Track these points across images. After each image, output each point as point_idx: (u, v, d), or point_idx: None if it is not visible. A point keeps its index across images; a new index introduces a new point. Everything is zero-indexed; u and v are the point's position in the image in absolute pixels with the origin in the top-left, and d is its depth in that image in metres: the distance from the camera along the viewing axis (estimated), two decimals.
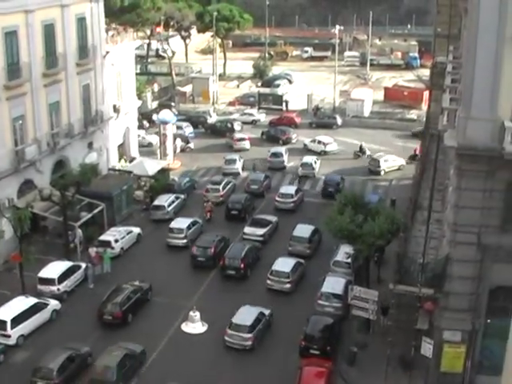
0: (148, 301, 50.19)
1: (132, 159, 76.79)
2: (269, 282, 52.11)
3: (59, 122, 62.50)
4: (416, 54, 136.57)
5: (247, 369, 43.10)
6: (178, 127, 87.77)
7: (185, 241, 59.18)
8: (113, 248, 56.72)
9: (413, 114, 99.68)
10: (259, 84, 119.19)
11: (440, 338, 37.30)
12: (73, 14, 63.24)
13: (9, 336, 44.45)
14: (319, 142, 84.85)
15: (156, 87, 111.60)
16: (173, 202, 65.44)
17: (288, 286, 51.75)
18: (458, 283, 36.20)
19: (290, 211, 66.20)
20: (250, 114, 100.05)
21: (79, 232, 57.14)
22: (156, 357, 44.08)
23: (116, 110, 73.17)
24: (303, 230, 58.59)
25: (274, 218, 62.88)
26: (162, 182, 69.79)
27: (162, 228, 62.03)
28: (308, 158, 78.25)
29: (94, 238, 57.94)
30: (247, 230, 60.50)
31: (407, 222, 47.63)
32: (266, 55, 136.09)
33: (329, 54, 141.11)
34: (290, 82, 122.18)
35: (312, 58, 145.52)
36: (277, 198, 67.33)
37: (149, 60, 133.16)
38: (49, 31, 59.92)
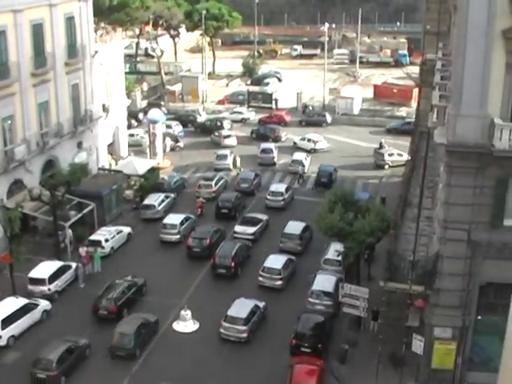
0: (143, 296, 50.37)
1: (120, 159, 76.68)
2: (260, 278, 52.27)
3: (48, 122, 62.31)
4: (405, 52, 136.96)
5: (239, 366, 43.15)
6: (168, 126, 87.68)
7: (178, 236, 59.56)
8: (103, 247, 56.64)
9: (402, 112, 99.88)
10: (248, 82, 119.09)
11: (431, 334, 37.40)
12: (61, 13, 63.00)
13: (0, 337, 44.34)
14: (309, 140, 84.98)
15: (145, 86, 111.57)
16: (163, 200, 65.38)
17: (279, 282, 51.93)
18: (449, 280, 36.29)
19: (280, 209, 66.31)
20: (240, 113, 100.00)
21: (69, 232, 56.99)
22: (148, 355, 44.16)
23: (105, 109, 72.96)
24: (294, 227, 58.76)
25: (264, 217, 62.97)
26: (151, 181, 69.70)
27: (153, 227, 62.04)
28: (298, 155, 78.64)
29: (85, 238, 57.84)
30: (238, 228, 60.58)
31: (397, 219, 47.76)
32: (255, 53, 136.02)
33: (318, 51, 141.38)
34: (280, 80, 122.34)
35: (301, 56, 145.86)
36: (267, 196, 67.44)
37: (138, 59, 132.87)
38: (37, 31, 59.67)
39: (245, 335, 45.11)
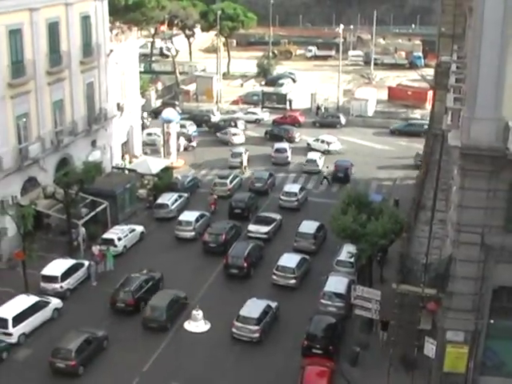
0: (159, 290, 50.73)
1: (134, 158, 76.89)
2: (274, 277, 52.50)
3: (63, 120, 62.54)
4: (420, 54, 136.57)
5: (251, 366, 43.21)
6: (182, 126, 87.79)
7: (193, 233, 60.24)
8: (116, 246, 56.83)
9: (416, 114, 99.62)
10: (263, 83, 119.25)
11: (443, 338, 37.24)
12: (77, 12, 63.27)
13: (10, 334, 44.52)
14: (322, 141, 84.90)
15: (160, 86, 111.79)
16: (176, 200, 65.53)
17: (293, 281, 52.13)
18: (461, 283, 36.12)
19: (294, 209, 66.39)
20: (254, 113, 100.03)
21: (82, 230, 57.19)
22: (159, 355, 44.24)
23: (120, 108, 73.19)
24: (309, 226, 59.02)
25: (278, 216, 63.13)
26: (165, 181, 69.81)
27: (166, 226, 62.19)
28: (313, 155, 79.05)
29: (97, 236, 58.02)
30: (251, 227, 60.85)
31: (410, 221, 47.61)
32: (270, 54, 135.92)
33: (333, 53, 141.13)
34: (294, 81, 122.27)
35: (316, 57, 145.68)
36: (281, 197, 67.56)
37: (153, 58, 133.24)
38: (53, 29, 59.93)
39: (257, 335, 45.20)
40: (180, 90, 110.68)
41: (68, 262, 52.57)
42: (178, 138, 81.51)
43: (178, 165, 78.14)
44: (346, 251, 52.41)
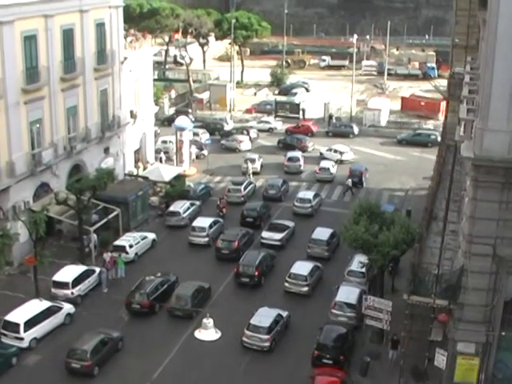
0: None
1: (148, 165, 77.06)
2: (286, 284, 52.60)
3: (76, 127, 62.74)
4: (433, 64, 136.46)
5: (261, 376, 43.10)
6: (195, 134, 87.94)
7: (206, 239, 60.64)
8: (127, 253, 56.94)
9: (429, 125, 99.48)
10: (276, 92, 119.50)
11: (454, 349, 37.10)
12: (92, 19, 63.52)
13: (22, 339, 44.61)
14: (335, 151, 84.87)
15: (173, 93, 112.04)
16: (188, 208, 65.59)
17: (305, 289, 52.19)
18: (473, 295, 35.97)
19: (307, 216, 66.55)
20: (267, 122, 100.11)
21: (94, 236, 57.32)
22: (169, 362, 44.24)
23: (133, 115, 73.34)
24: (322, 233, 59.21)
25: (291, 223, 63.23)
26: (177, 189, 69.89)
27: (177, 234, 62.25)
28: (326, 163, 79.34)
29: (109, 243, 58.11)
30: (265, 234, 61.04)
31: (422, 232, 47.46)
32: (284, 63, 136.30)
33: (346, 63, 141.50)
34: (307, 90, 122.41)
35: (329, 67, 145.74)
36: (295, 203, 67.78)
37: (166, 66, 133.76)
38: (68, 36, 60.19)
39: (267, 344, 45.13)
40: (193, 98, 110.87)
41: (79, 269, 52.68)
42: (189, 146, 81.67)
43: (190, 173, 78.26)
44: (358, 261, 52.38)
